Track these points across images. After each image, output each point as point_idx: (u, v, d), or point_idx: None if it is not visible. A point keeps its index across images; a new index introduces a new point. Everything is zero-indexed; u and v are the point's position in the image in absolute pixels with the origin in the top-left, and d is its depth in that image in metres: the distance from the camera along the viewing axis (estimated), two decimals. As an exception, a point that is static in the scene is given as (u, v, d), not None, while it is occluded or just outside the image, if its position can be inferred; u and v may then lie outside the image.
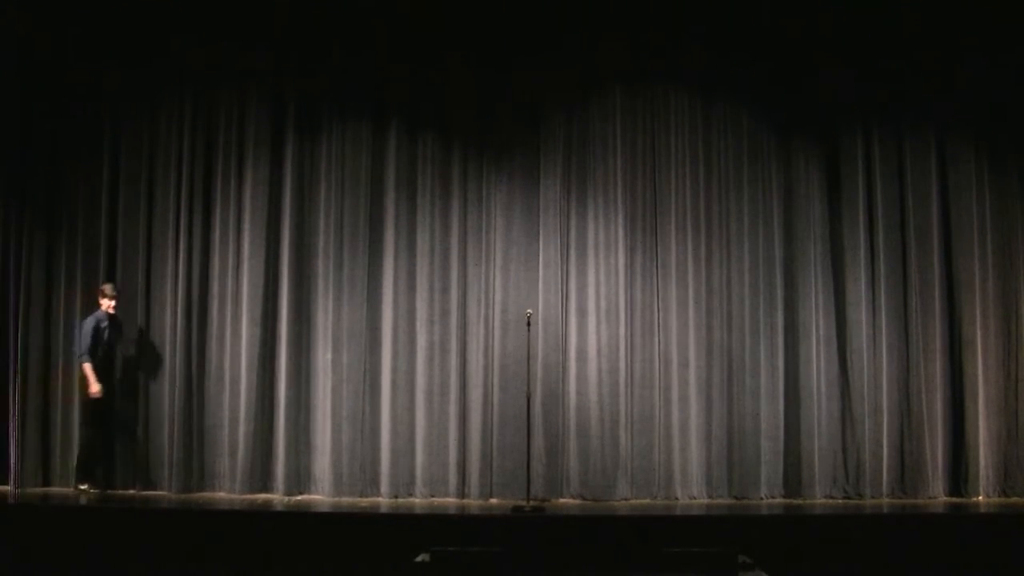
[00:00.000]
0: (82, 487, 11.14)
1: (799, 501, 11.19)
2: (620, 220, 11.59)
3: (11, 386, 11.65)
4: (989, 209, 11.66)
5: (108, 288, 11.39)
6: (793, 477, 11.34)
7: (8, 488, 11.41)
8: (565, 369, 11.42)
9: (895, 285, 11.53)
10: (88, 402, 11.21)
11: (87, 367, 11.14)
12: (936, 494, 11.27)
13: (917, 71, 11.63)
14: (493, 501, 11.13)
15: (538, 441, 11.20)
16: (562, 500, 11.18)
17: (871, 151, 11.66)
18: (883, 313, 11.47)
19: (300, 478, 11.42)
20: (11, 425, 11.61)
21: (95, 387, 11.10)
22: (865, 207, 11.61)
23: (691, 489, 11.27)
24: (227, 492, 11.37)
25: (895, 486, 11.30)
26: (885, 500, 11.19)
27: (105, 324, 11.33)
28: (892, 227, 11.59)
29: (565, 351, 11.45)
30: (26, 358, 11.72)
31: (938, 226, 11.60)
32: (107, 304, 11.31)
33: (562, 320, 11.50)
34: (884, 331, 11.44)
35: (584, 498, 11.20)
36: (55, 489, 11.53)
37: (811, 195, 11.65)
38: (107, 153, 11.92)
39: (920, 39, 11.62)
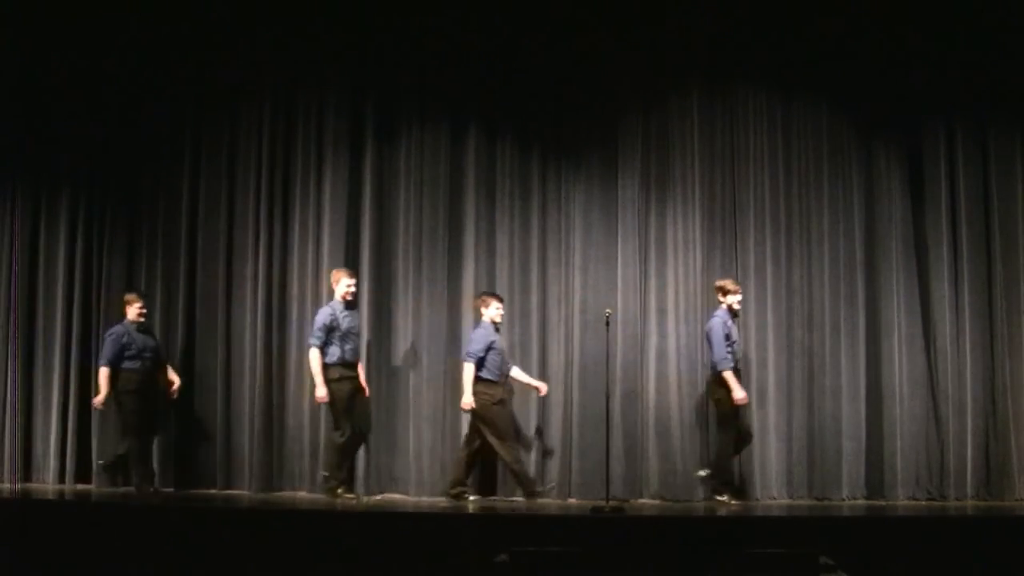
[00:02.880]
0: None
1: (881, 502, 11.06)
2: (699, 219, 11.53)
3: (92, 386, 11.88)
4: (1076, 206, 11.49)
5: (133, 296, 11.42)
6: (875, 478, 11.21)
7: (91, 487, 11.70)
8: (644, 369, 11.39)
9: (979, 283, 11.36)
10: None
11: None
12: (1023, 496, 11.10)
13: (1001, 66, 11.45)
14: (572, 501, 11.13)
15: (617, 441, 11.18)
16: (641, 500, 11.14)
17: (954, 149, 11.49)
18: (967, 312, 11.31)
19: (381, 478, 11.49)
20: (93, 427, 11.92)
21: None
22: (948, 205, 11.44)
23: (771, 490, 11.18)
24: (308, 492, 11.47)
25: (980, 488, 11.12)
26: (970, 502, 11.02)
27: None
28: (976, 225, 11.41)
29: (644, 351, 11.43)
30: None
31: (1023, 222, 11.43)
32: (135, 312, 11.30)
33: (641, 320, 11.47)
34: (968, 330, 11.28)
35: (664, 498, 11.16)
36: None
37: (892, 193, 11.52)
38: (187, 156, 12.09)
39: (1003, 33, 11.44)
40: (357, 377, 10.93)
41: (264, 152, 11.97)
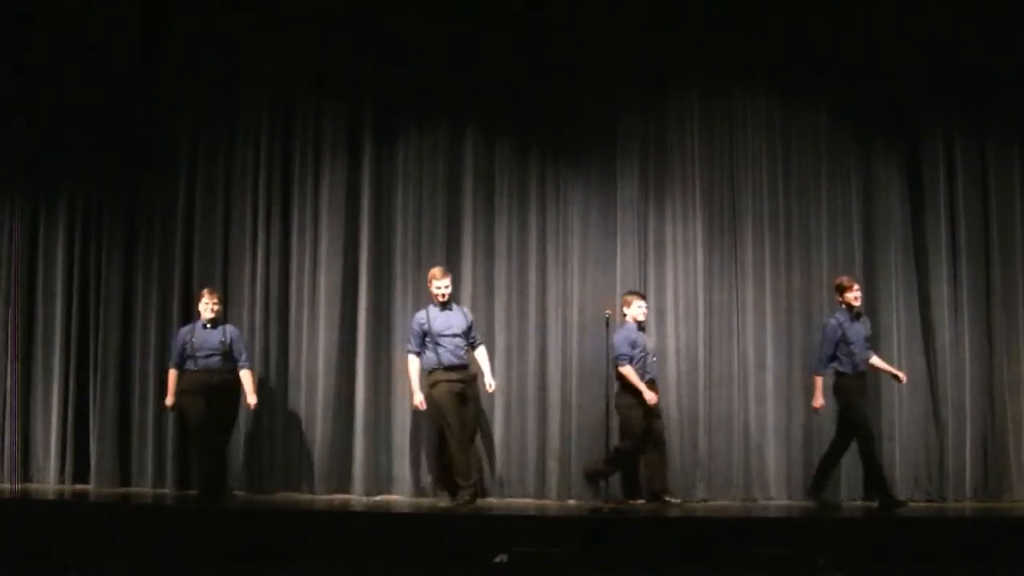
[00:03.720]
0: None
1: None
2: (698, 221, 11.53)
3: (92, 393, 11.94)
4: (1074, 209, 11.53)
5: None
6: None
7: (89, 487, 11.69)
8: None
9: (978, 286, 11.38)
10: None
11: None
12: (1021, 497, 11.10)
13: (1000, 70, 11.49)
14: (571, 502, 11.10)
15: (616, 442, 11.16)
16: (640, 501, 11.14)
17: (952, 152, 11.50)
18: (965, 314, 11.31)
19: (379, 479, 11.46)
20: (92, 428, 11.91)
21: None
22: (947, 208, 11.45)
23: (769, 491, 11.18)
24: (305, 492, 11.45)
25: (978, 489, 11.11)
26: (968, 503, 11.03)
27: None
28: (974, 228, 11.41)
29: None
30: (105, 360, 11.92)
31: (1021, 226, 11.44)
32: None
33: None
34: (967, 332, 11.28)
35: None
36: (134, 489, 11.69)
37: (891, 196, 11.53)
38: (185, 156, 12.04)
39: (1003, 37, 11.48)
40: (462, 380, 10.48)
41: (262, 153, 11.93)
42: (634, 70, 11.69)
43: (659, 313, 11.48)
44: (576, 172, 11.69)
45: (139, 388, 11.87)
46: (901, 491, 11.02)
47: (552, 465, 11.30)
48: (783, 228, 11.56)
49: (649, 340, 10.86)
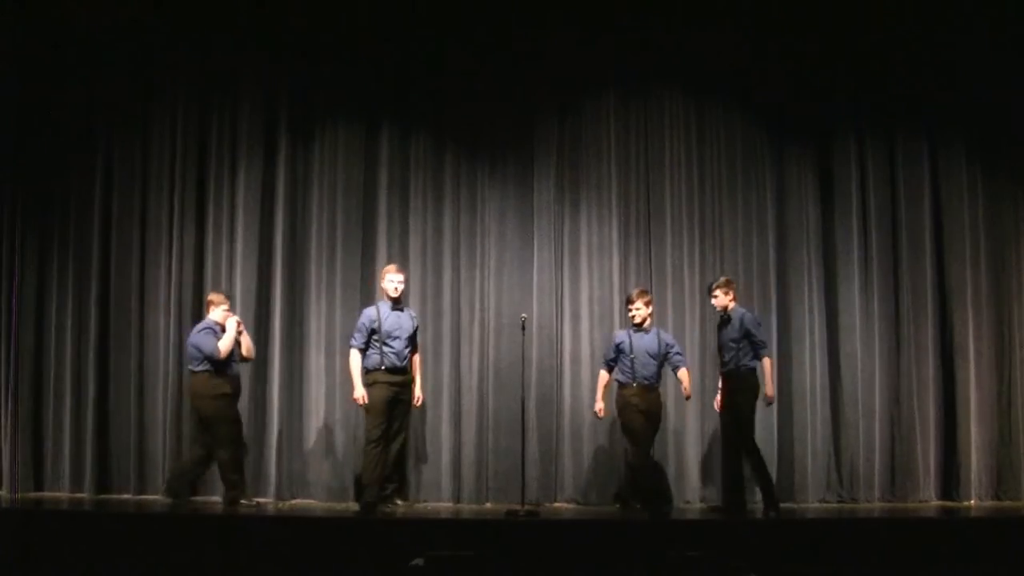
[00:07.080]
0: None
1: (792, 505, 11.17)
2: (614, 224, 11.61)
3: (5, 392, 11.69)
4: (981, 215, 11.75)
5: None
6: (786, 481, 11.33)
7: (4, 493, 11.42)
8: (559, 373, 11.43)
9: (887, 290, 11.59)
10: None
11: None
12: (928, 498, 11.33)
13: (910, 76, 11.71)
14: (488, 505, 11.12)
15: (532, 446, 11.20)
16: (557, 504, 11.18)
17: (864, 156, 11.73)
18: (876, 318, 11.52)
19: (293, 483, 11.36)
20: (4, 431, 11.63)
21: None
22: (858, 212, 11.67)
23: (685, 493, 11.27)
24: (220, 496, 11.28)
25: (886, 490, 11.34)
26: (877, 504, 11.22)
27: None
28: (885, 232, 11.65)
29: (559, 355, 11.47)
30: (18, 363, 11.68)
31: (930, 231, 11.68)
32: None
33: (556, 324, 11.50)
34: (877, 335, 11.50)
35: (578, 502, 11.22)
36: (47, 494, 11.49)
37: (804, 199, 11.70)
38: (100, 158, 11.81)
39: (914, 45, 11.69)
40: (400, 384, 10.10)
41: (177, 152, 11.75)
42: (551, 72, 11.73)
43: (574, 316, 11.54)
44: (493, 173, 11.70)
45: (54, 388, 11.67)
46: (813, 493, 11.20)
47: (467, 468, 11.30)
48: (698, 231, 11.67)
49: (643, 341, 10.39)
